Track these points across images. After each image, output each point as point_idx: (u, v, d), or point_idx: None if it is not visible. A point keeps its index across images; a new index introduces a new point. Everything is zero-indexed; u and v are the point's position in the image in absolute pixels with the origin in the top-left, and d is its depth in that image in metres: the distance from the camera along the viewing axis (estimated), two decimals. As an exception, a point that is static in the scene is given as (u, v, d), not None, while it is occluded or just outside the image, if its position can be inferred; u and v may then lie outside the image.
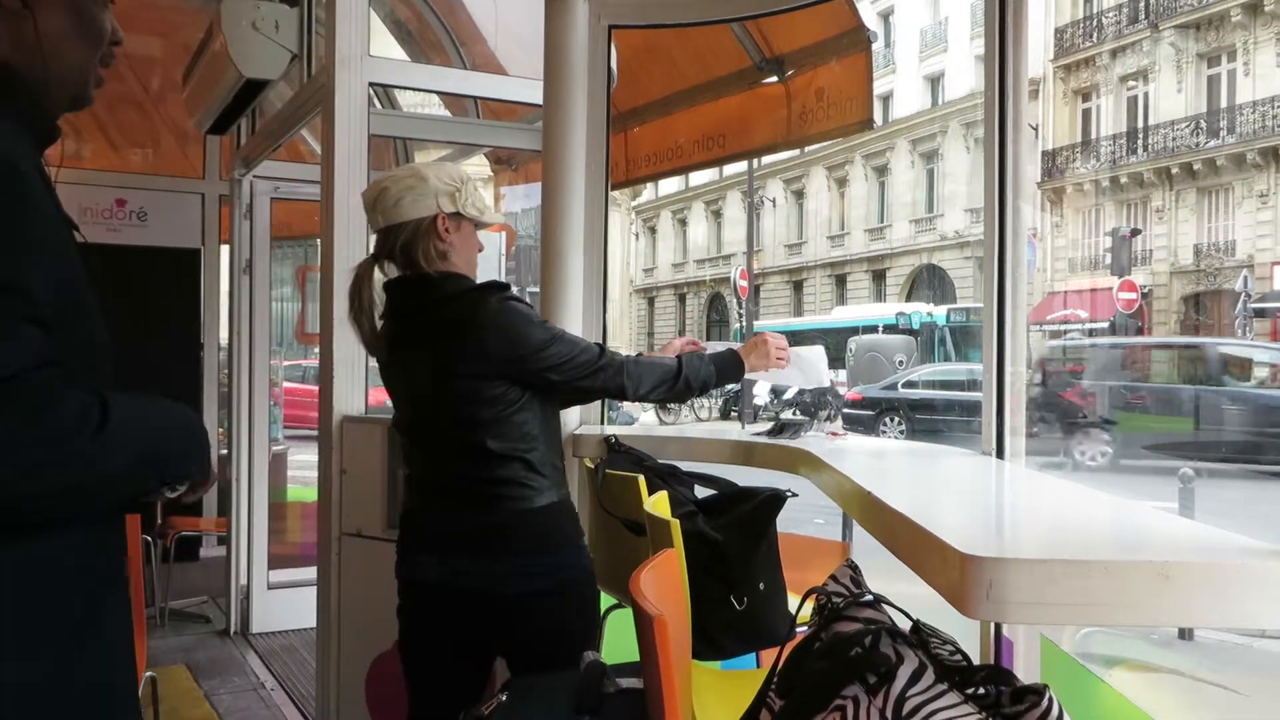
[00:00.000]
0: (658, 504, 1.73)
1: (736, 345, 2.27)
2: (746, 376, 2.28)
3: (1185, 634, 5.32)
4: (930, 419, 17.77)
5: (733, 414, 23.08)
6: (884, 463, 1.88)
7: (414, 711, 2.07)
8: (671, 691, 0.93)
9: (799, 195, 35.78)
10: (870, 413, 18.75)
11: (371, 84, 3.27)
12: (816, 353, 2.41)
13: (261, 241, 4.92)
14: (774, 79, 4.18)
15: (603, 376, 1.98)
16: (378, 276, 2.07)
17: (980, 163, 2.11)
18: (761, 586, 1.97)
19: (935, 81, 31.13)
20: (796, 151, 31.74)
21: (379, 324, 2.07)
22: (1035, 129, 26.11)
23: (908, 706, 0.96)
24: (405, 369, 2.04)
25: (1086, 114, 26.81)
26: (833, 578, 1.24)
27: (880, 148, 31.42)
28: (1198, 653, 5.18)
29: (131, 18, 6.37)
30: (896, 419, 18.34)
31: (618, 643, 2.52)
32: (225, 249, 5.76)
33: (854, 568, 1.26)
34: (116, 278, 2.74)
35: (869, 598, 1.18)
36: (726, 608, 1.92)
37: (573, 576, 1.96)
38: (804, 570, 2.32)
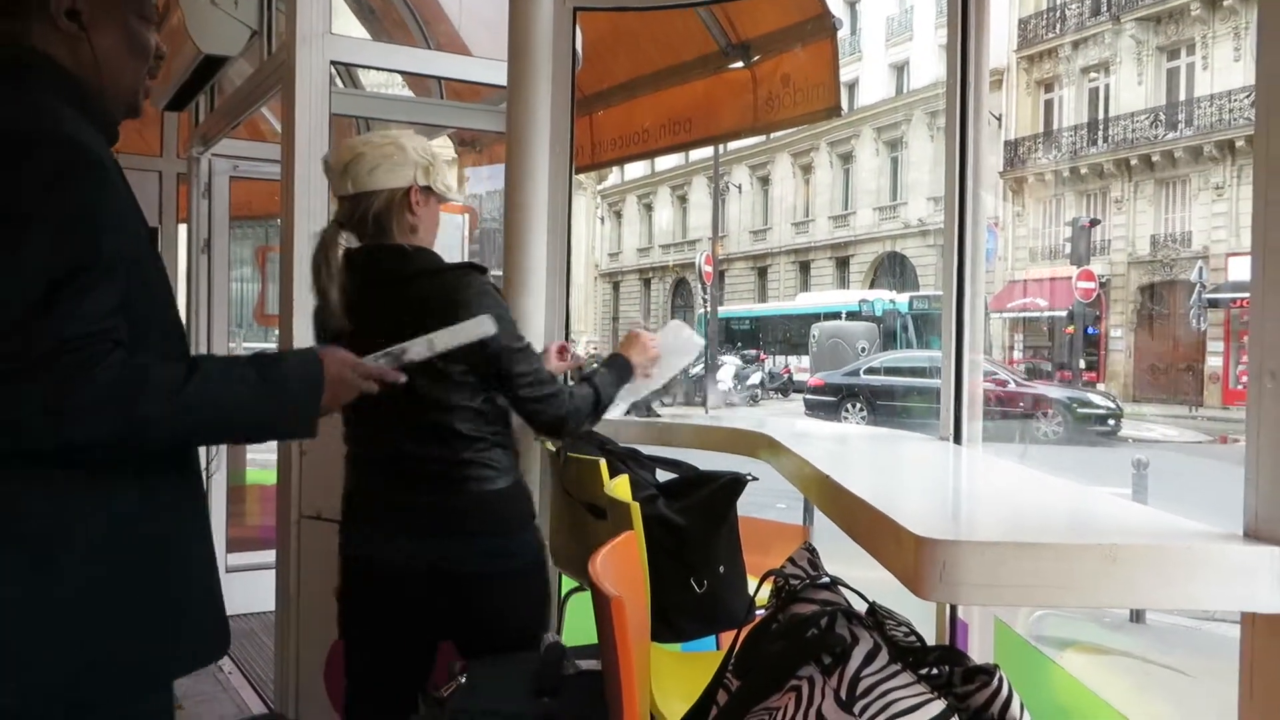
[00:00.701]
0: (618, 487, 1.74)
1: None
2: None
3: (1136, 617, 5.43)
4: (891, 405, 17.97)
5: (697, 399, 23.17)
6: (844, 447, 1.90)
7: (353, 700, 2.02)
8: (629, 672, 0.94)
9: (764, 181, 35.88)
10: (832, 398, 18.91)
11: (333, 62, 3.22)
12: (673, 328, 2.34)
13: (220, 221, 4.85)
14: (740, 64, 4.19)
15: (553, 404, 1.91)
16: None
17: (944, 151, 2.13)
18: (721, 570, 1.98)
19: (900, 70, 31.31)
20: (762, 138, 31.83)
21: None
22: (998, 119, 26.35)
23: (861, 686, 0.97)
24: (371, 343, 1.98)
25: (1049, 104, 27.09)
26: (791, 560, 1.25)
27: (845, 135, 31.58)
28: (1148, 635, 5.29)
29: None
30: (858, 405, 18.51)
31: (578, 625, 2.53)
32: (183, 228, 5.67)
33: (812, 550, 1.27)
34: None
35: (826, 580, 1.20)
36: (686, 591, 1.93)
37: (528, 558, 1.95)
38: (764, 554, 2.34)
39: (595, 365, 2.25)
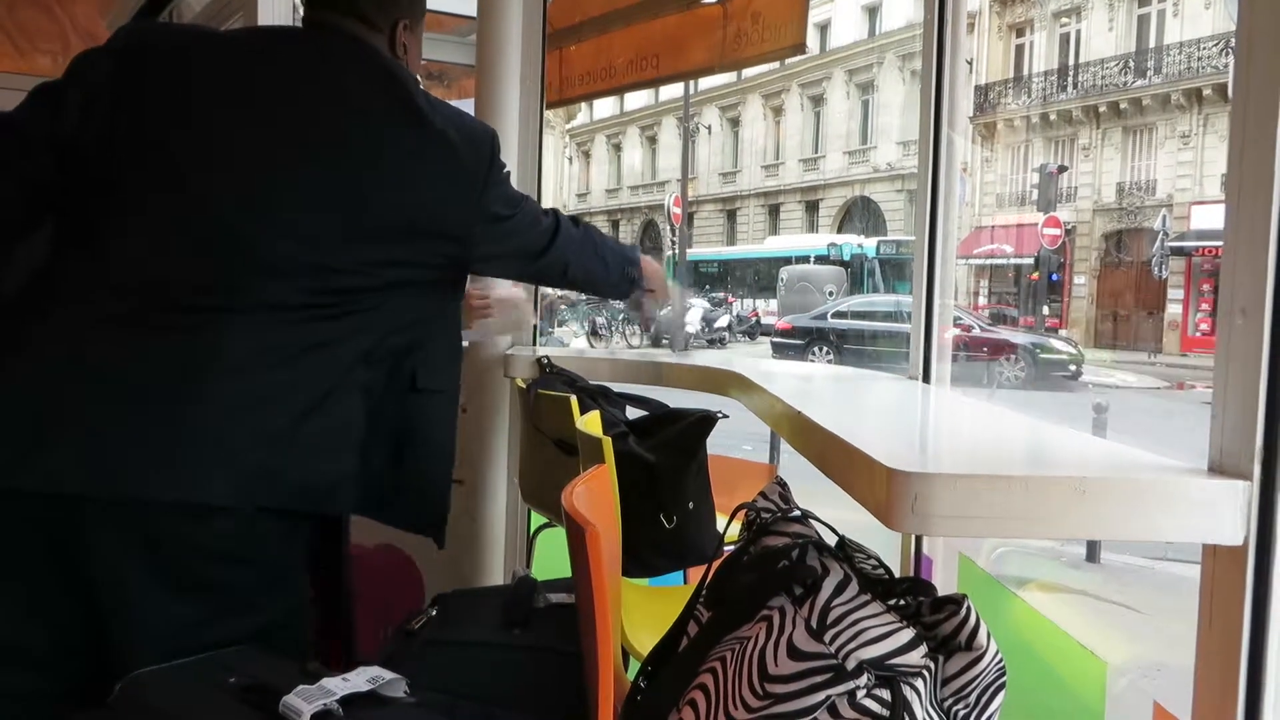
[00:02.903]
0: (589, 423, 1.74)
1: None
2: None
3: (1092, 556, 5.57)
4: (859, 349, 18.13)
5: (664, 341, 23.22)
6: (813, 386, 1.91)
7: None
8: (604, 602, 0.95)
9: (735, 123, 35.64)
10: (800, 342, 19.03)
11: (297, -11, 3.14)
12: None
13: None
14: (712, 1, 4.13)
15: None
16: None
17: (915, 95, 2.12)
18: (691, 506, 1.99)
19: (873, 12, 31.03)
20: (733, 78, 31.49)
21: None
22: (970, 63, 26.25)
23: (832, 615, 0.98)
24: None
25: (1020, 50, 27.03)
26: (762, 494, 1.26)
27: (817, 77, 31.36)
28: (1103, 574, 5.43)
29: (37, -90, 5.94)
30: (825, 348, 18.65)
31: (546, 561, 2.55)
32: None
33: (783, 484, 1.28)
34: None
35: (796, 513, 1.21)
36: (656, 526, 1.94)
37: None
38: (731, 493, 2.35)
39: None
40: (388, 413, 1.50)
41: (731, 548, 2.17)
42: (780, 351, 19.17)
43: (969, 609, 0.97)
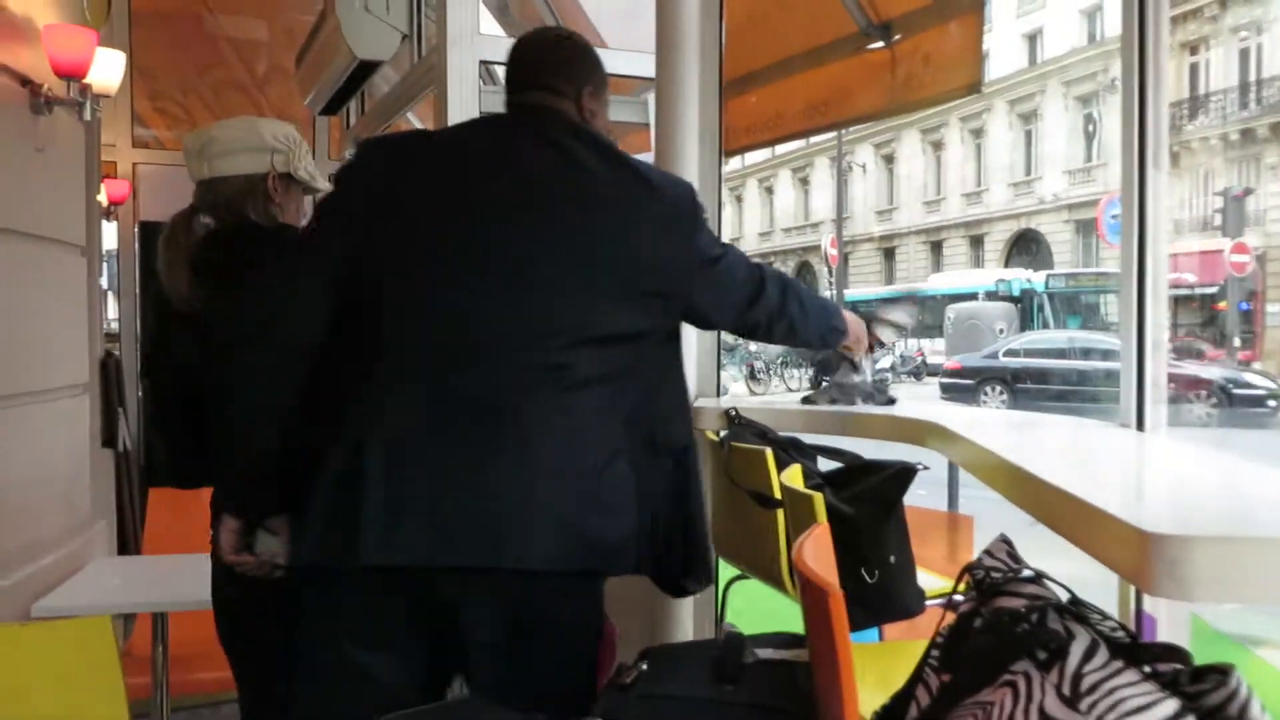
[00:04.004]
0: (793, 477, 1.73)
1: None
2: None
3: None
4: (1033, 388, 17.34)
5: (823, 383, 22.84)
6: (1020, 435, 1.85)
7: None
8: (848, 667, 0.94)
9: (889, 160, 35.09)
10: (970, 382, 18.35)
11: (481, 61, 3.31)
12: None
13: (371, 219, 5.02)
14: (880, 44, 4.10)
15: None
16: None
17: (1080, 122, 2.04)
18: (892, 560, 1.96)
19: (1033, 39, 30.11)
20: (887, 115, 31.00)
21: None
22: (1139, 86, 25.02)
23: (1085, 683, 0.95)
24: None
25: (1194, 68, 25.64)
26: (987, 553, 1.23)
27: (977, 109, 30.57)
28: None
29: (236, 3, 6.51)
30: (998, 388, 17.92)
31: (737, 614, 2.54)
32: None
33: (1008, 543, 1.25)
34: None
35: (1028, 573, 1.17)
36: (857, 581, 1.91)
37: None
38: (921, 543, 2.30)
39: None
40: (651, 471, 1.59)
41: (935, 603, 2.12)
42: (950, 393, 18.56)
43: (1239, 680, 0.91)
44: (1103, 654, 0.99)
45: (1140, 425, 1.87)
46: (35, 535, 2.75)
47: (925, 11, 3.85)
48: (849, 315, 2.08)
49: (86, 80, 2.88)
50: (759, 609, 2.50)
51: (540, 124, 1.64)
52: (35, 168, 2.78)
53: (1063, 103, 27.92)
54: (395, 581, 1.47)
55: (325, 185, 2.00)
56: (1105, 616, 1.14)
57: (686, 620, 2.57)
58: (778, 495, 2.04)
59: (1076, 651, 0.99)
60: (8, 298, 2.59)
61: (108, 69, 3.17)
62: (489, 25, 5.05)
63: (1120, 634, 1.11)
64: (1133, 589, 1.83)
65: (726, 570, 2.49)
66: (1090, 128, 27.29)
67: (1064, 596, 1.15)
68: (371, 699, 1.47)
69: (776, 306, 1.79)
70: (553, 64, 1.70)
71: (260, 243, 1.88)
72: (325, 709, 1.57)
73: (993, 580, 1.18)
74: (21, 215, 2.67)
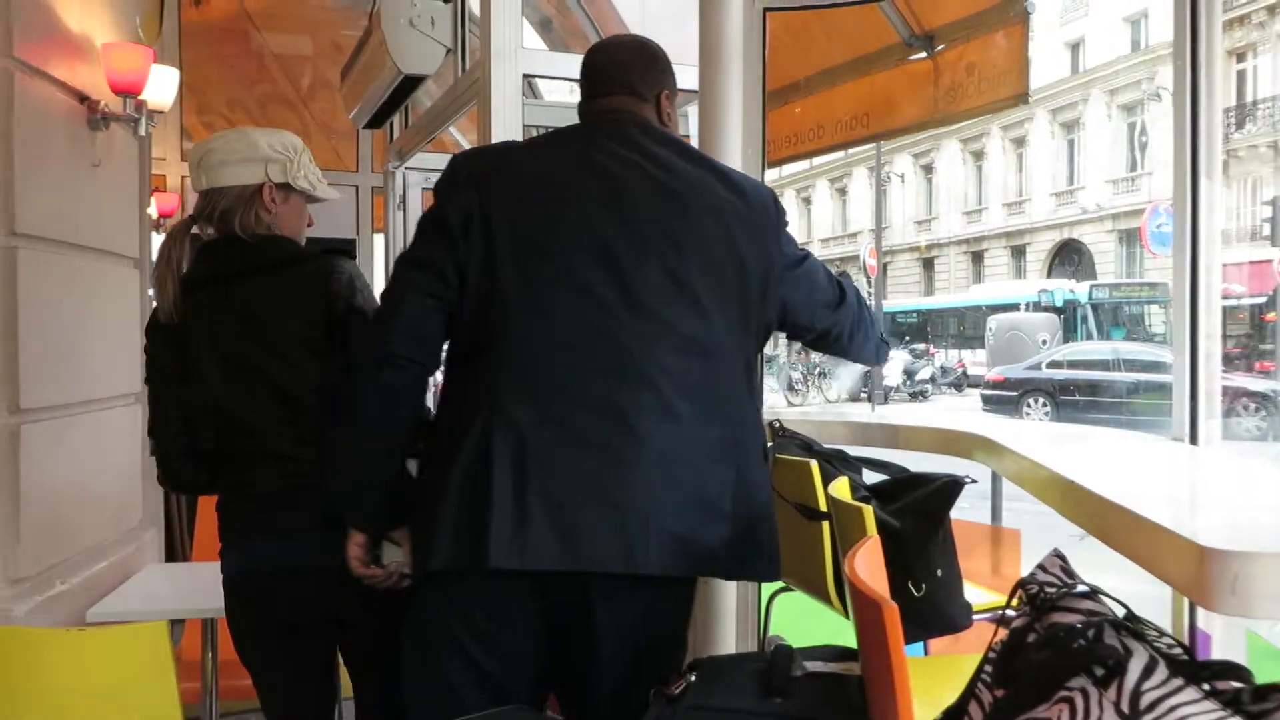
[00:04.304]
0: (840, 489, 1.73)
1: None
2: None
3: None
4: (1077, 400, 17.06)
5: (862, 395, 22.70)
6: (1071, 448, 1.83)
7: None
8: (904, 680, 0.94)
9: (928, 170, 34.83)
10: (1013, 394, 18.09)
11: (525, 75, 3.34)
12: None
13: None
14: (923, 55, 4.09)
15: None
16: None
17: (1123, 131, 2.02)
18: (939, 573, 1.95)
19: (1075, 48, 29.79)
20: (927, 125, 30.72)
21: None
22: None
23: (1145, 700, 0.94)
24: (201, 343, 1.88)
25: (1241, 75, 25.22)
26: (1041, 567, 1.22)
27: (1019, 118, 30.25)
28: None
29: (281, 19, 6.61)
30: (1041, 400, 17.65)
31: (780, 626, 2.54)
32: (379, 238, 5.98)
33: (1062, 557, 1.24)
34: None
35: (1083, 589, 1.16)
36: (905, 595, 1.90)
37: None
38: (966, 557, 2.28)
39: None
40: (747, 473, 1.61)
41: (981, 617, 2.10)
42: (991, 404, 18.32)
43: (1305, 700, 0.90)
44: (1162, 671, 0.98)
45: (1194, 439, 1.84)
46: (90, 542, 2.81)
47: (969, 22, 3.84)
48: None
49: (142, 97, 2.95)
50: (802, 622, 2.49)
51: (625, 131, 1.65)
52: (92, 182, 2.85)
53: (1106, 111, 27.57)
54: (518, 584, 1.52)
55: (329, 193, 2.03)
56: (1162, 633, 1.12)
57: (729, 631, 2.57)
58: (823, 507, 2.03)
59: (1135, 668, 0.98)
60: (67, 309, 2.65)
61: (162, 86, 3.24)
62: (531, 40, 5.11)
63: (1177, 651, 1.10)
64: (1186, 604, 1.80)
65: (770, 583, 2.49)
66: (1136, 136, 26.94)
67: (1120, 612, 1.14)
68: (480, 698, 1.53)
69: (855, 313, 1.80)
70: (636, 68, 1.72)
71: (243, 255, 1.88)
72: (435, 705, 1.59)
73: (1047, 595, 1.17)
74: (79, 229, 2.74)
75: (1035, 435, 2.03)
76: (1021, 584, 1.21)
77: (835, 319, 1.77)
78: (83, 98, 2.79)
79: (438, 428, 1.61)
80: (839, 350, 1.88)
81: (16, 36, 2.40)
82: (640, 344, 1.53)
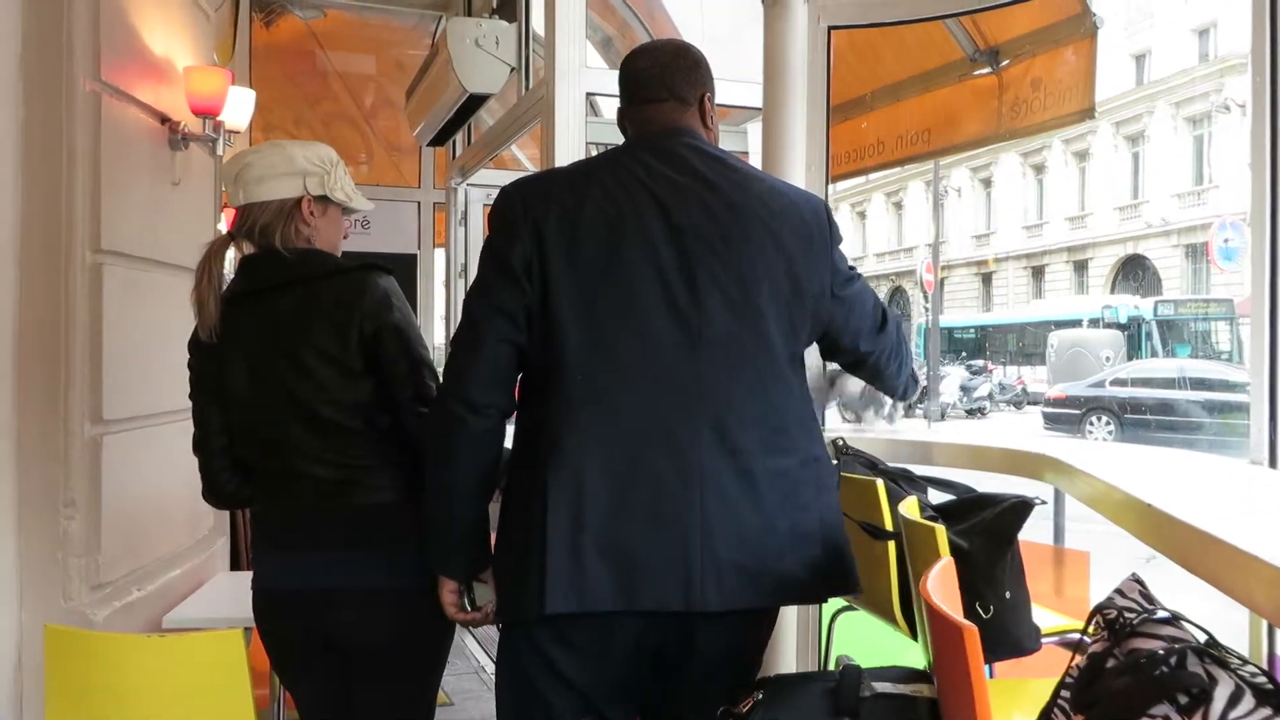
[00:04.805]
0: (910, 509, 1.72)
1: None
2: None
3: None
4: (1143, 419, 16.60)
5: (917, 412, 22.41)
6: (1145, 470, 1.80)
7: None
8: (984, 704, 0.94)
9: (986, 184, 34.38)
10: (1075, 412, 17.67)
11: (588, 94, 3.38)
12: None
13: (476, 246, 5.16)
14: (987, 70, 4.06)
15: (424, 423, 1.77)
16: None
17: (1190, 145, 1.97)
18: (1008, 595, 1.92)
19: (1140, 60, 29.26)
20: (986, 138, 30.32)
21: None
22: (1242, 106, 24.14)
23: (1231, 730, 0.93)
24: (234, 363, 1.88)
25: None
26: (1119, 592, 1.21)
27: (1081, 130, 29.74)
28: None
29: (346, 39, 6.74)
30: (1104, 419, 17.22)
31: (844, 644, 2.52)
32: (439, 253, 6.08)
33: (1140, 582, 1.23)
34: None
35: (1164, 614, 1.15)
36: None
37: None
38: (1031, 579, 2.25)
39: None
40: (814, 499, 1.62)
41: (1050, 640, 2.07)
42: (1053, 422, 17.94)
43: (1399, 731, 0.88)
44: (1249, 700, 0.97)
45: (1273, 462, 1.81)
46: (165, 550, 2.88)
47: (1036, 37, 3.80)
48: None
49: (220, 118, 3.04)
50: (864, 641, 2.48)
51: (677, 153, 1.64)
52: (172, 200, 2.94)
53: (1172, 124, 27.03)
54: (594, 621, 1.54)
55: (364, 204, 2.02)
56: (1245, 660, 1.11)
57: (790, 650, 2.56)
58: (889, 526, 2.02)
59: (1221, 696, 0.97)
60: (146, 323, 2.73)
61: (239, 107, 3.33)
62: (593, 59, 5.17)
63: (1262, 679, 1.08)
64: (1265, 630, 1.77)
65: (833, 601, 2.48)
66: (1204, 149, 26.37)
67: (1201, 639, 1.13)
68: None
69: (894, 342, 1.78)
70: (680, 72, 1.70)
71: (282, 269, 1.88)
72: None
73: (1126, 620, 1.16)
74: (159, 245, 2.83)
75: (1106, 456, 2.00)
76: (1099, 609, 1.20)
77: (875, 345, 1.75)
78: (164, 119, 2.89)
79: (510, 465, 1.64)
80: (872, 377, 1.86)
81: (104, 60, 2.49)
82: (702, 379, 1.54)
